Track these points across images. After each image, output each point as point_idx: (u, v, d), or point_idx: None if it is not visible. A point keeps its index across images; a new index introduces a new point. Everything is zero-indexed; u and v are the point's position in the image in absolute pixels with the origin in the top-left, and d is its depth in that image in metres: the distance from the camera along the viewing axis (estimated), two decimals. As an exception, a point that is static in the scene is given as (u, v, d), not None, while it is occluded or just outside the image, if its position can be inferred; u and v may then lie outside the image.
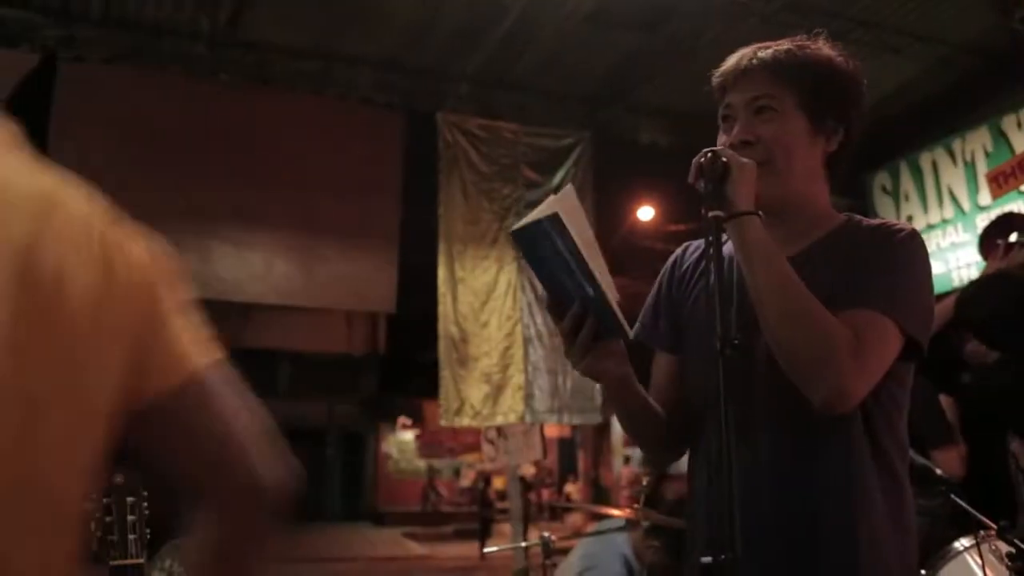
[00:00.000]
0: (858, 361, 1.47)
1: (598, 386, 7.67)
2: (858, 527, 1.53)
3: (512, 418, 7.56)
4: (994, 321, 3.50)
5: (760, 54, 1.66)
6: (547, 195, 6.17)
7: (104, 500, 1.97)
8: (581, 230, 1.43)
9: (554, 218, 1.39)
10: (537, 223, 1.41)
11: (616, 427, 19.59)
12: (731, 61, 1.69)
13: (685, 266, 1.82)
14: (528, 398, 7.54)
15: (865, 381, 1.49)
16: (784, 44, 1.68)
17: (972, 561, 2.75)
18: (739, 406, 1.31)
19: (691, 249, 1.84)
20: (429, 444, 25.42)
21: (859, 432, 1.56)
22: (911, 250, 1.60)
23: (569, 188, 1.49)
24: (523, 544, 3.89)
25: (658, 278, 1.86)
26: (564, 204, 1.43)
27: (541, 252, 1.45)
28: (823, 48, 1.69)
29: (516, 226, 1.45)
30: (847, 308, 1.51)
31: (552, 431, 19.93)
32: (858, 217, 1.72)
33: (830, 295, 1.53)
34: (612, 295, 1.47)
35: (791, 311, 1.48)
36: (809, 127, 1.64)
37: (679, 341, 1.77)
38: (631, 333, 1.51)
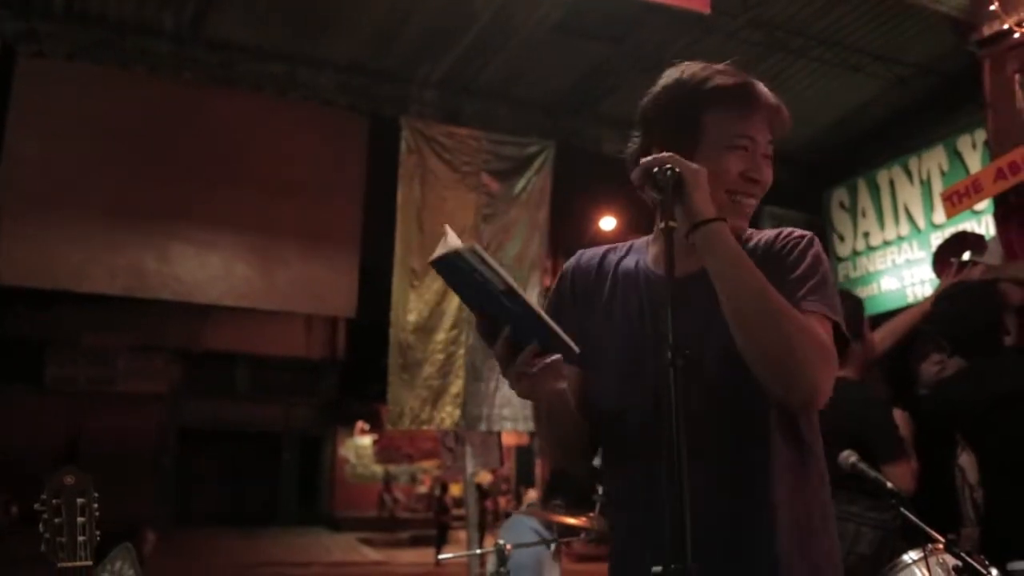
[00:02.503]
0: (830, 361, 1.52)
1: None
2: (795, 524, 1.56)
3: (448, 423, 7.57)
4: (963, 325, 3.60)
5: (777, 100, 1.70)
6: (506, 206, 6.13)
7: (54, 501, 1.94)
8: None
9: (472, 251, 1.37)
10: (456, 254, 1.38)
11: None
12: (764, 89, 1.69)
13: (584, 275, 1.80)
14: (463, 405, 7.55)
15: (833, 379, 1.53)
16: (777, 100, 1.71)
17: (920, 574, 2.79)
18: (668, 414, 1.31)
19: (586, 257, 1.83)
20: (387, 449, 25.27)
21: (787, 432, 1.59)
22: (819, 253, 1.64)
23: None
24: (478, 551, 3.89)
25: (554, 290, 1.84)
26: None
27: (467, 278, 1.42)
28: None
29: (434, 256, 1.41)
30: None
31: (510, 439, 19.94)
32: (749, 231, 1.75)
33: None
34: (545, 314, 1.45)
35: (773, 315, 1.48)
36: None
37: (582, 354, 1.75)
38: (575, 348, 1.47)
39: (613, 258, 1.80)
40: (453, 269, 1.41)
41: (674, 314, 1.37)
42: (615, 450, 1.70)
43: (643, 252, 1.77)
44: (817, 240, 1.67)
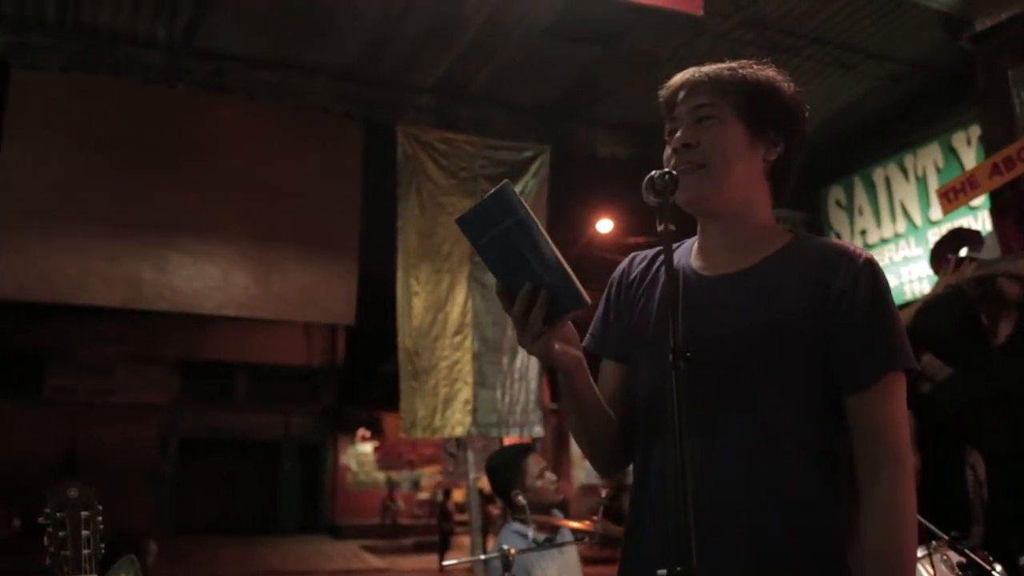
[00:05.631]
0: (905, 449, 1.57)
1: (534, 399, 7.73)
2: (818, 534, 1.55)
3: (459, 431, 7.55)
4: (942, 337, 3.60)
5: (704, 69, 1.72)
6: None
7: (58, 514, 1.94)
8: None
9: (507, 186, 1.39)
10: (493, 196, 1.39)
11: (575, 439, 19.57)
12: (677, 78, 1.74)
13: (632, 276, 1.82)
14: (474, 412, 7.53)
15: (908, 441, 1.59)
16: (729, 64, 1.74)
17: (924, 571, 2.79)
18: (693, 417, 1.32)
19: (638, 259, 1.85)
20: (388, 456, 25.26)
21: (816, 436, 1.58)
22: (883, 283, 1.62)
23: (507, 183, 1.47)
24: (482, 557, 3.87)
25: (607, 288, 1.86)
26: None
27: (493, 231, 1.42)
28: (766, 69, 1.76)
29: (467, 211, 1.42)
30: (865, 378, 1.56)
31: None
32: (806, 235, 1.74)
33: (794, 311, 1.57)
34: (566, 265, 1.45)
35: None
36: (747, 135, 1.68)
37: (628, 351, 1.77)
38: (586, 299, 1.47)
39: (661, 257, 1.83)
40: (486, 218, 1.41)
41: (705, 313, 1.39)
42: (643, 443, 1.70)
43: (688, 250, 1.79)
44: (876, 262, 1.64)
